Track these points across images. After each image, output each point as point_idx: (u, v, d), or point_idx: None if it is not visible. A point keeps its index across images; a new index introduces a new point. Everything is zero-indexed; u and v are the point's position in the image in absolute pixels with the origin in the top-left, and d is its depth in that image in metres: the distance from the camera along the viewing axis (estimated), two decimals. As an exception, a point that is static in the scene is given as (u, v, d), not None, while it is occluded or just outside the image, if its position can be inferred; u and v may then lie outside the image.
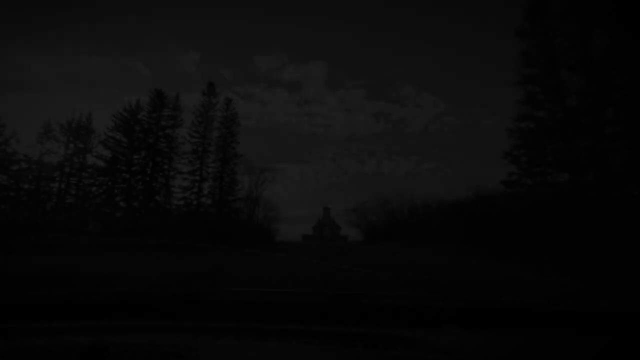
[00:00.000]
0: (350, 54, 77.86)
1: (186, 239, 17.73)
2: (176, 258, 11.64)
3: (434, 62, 72.76)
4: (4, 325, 1.01)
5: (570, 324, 1.03)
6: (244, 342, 0.91)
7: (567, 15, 15.48)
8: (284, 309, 1.19)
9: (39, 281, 6.12)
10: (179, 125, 33.12)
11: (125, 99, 31.44)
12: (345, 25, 69.52)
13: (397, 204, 40.20)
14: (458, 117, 71.66)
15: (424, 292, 4.89)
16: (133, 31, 51.73)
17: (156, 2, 49.80)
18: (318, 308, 1.19)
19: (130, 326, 1.04)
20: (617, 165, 13.90)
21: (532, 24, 16.91)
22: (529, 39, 17.03)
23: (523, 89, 16.89)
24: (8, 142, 25.98)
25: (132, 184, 30.28)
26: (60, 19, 42.75)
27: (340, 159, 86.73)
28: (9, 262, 9.57)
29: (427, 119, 74.14)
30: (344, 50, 78.48)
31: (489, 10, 55.84)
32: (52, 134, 29.58)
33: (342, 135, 78.58)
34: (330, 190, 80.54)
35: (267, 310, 1.18)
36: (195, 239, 19.09)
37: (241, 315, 1.11)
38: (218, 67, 69.22)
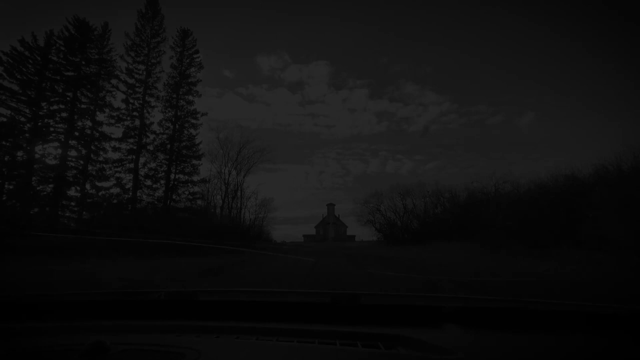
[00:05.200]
0: (353, 53, 75.18)
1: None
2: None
3: (437, 61, 67.90)
4: (4, 325, 1.04)
5: (569, 324, 1.03)
6: (244, 341, 0.90)
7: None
8: (284, 308, 1.20)
9: None
10: (111, 75, 22.73)
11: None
12: (347, 24, 68.11)
13: (419, 194, 29.05)
14: (462, 116, 66.28)
15: (424, 292, 4.71)
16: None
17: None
18: (318, 308, 1.20)
19: (130, 326, 1.05)
20: None
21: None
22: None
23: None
24: None
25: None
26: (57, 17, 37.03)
27: (343, 159, 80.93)
28: None
29: (431, 117, 68.62)
30: (347, 50, 74.91)
31: (490, 9, 51.45)
32: None
33: (346, 135, 75.27)
34: (333, 191, 76.00)
35: (268, 310, 1.20)
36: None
37: (242, 315, 1.14)
38: (220, 68, 65.51)
